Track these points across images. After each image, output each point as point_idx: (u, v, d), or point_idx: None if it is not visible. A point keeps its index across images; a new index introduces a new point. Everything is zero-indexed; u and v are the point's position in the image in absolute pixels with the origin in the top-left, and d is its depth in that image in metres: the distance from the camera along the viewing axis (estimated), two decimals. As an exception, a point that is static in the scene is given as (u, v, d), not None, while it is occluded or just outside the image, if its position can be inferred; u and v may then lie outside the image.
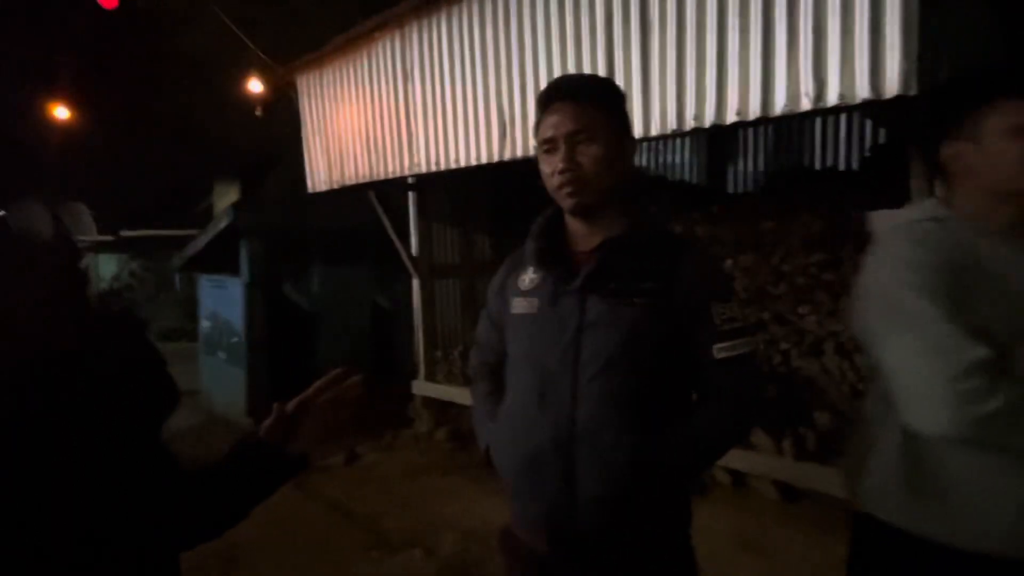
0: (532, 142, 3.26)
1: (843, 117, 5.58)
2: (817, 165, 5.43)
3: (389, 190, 5.00)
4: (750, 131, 5.54)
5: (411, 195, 5.28)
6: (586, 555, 1.26)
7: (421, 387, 5.34)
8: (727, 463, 3.39)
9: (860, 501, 1.31)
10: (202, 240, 6.90)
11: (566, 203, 1.26)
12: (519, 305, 1.36)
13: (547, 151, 1.27)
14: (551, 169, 1.26)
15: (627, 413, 1.22)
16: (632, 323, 1.21)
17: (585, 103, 1.25)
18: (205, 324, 7.26)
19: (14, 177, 0.70)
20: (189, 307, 9.32)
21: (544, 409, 1.26)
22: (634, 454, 1.21)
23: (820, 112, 2.40)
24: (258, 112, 4.82)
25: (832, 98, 2.25)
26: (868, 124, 5.79)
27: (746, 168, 5.60)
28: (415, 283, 5.33)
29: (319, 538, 3.63)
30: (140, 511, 0.81)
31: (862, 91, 2.17)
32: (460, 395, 5.01)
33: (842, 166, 5.73)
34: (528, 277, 1.36)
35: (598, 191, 1.25)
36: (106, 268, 13.61)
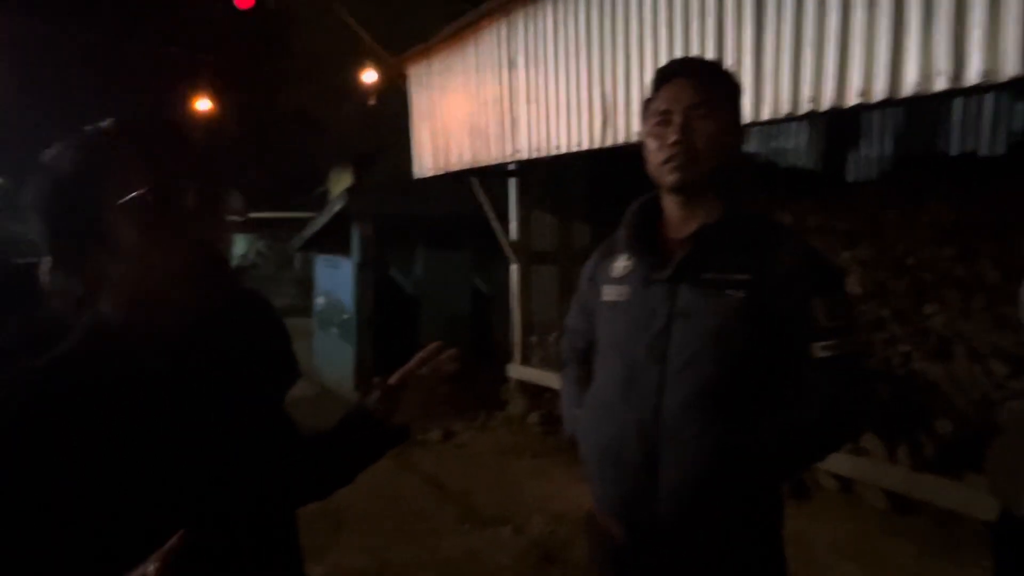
0: (635, 128, 3.22)
1: (988, 96, 4.99)
2: (954, 150, 4.88)
3: (490, 176, 5.09)
4: (875, 113, 5.09)
5: (511, 181, 5.34)
6: (663, 545, 1.24)
7: (516, 371, 5.43)
8: (833, 467, 3.20)
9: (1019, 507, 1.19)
10: (319, 222, 7.36)
11: (669, 178, 1.22)
12: (610, 292, 1.35)
13: (659, 123, 1.23)
14: (660, 143, 1.22)
15: (714, 407, 1.18)
16: (724, 315, 1.17)
17: (705, 81, 1.22)
18: (319, 301, 7.74)
19: (172, 156, 0.76)
20: (306, 285, 9.96)
21: (629, 398, 1.25)
22: (720, 447, 1.17)
23: (957, 92, 2.18)
24: (372, 102, 5.05)
25: (973, 76, 2.03)
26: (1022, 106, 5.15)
27: (869, 153, 5.15)
28: (513, 268, 5.40)
29: (415, 508, 3.81)
30: (265, 468, 0.87)
31: (1011, 67, 1.95)
32: (554, 380, 5.04)
33: (984, 151, 5.13)
34: (620, 264, 1.35)
35: (704, 170, 1.20)
36: (235, 247, 14.80)
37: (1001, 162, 4.56)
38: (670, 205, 1.29)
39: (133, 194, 0.70)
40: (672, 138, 1.20)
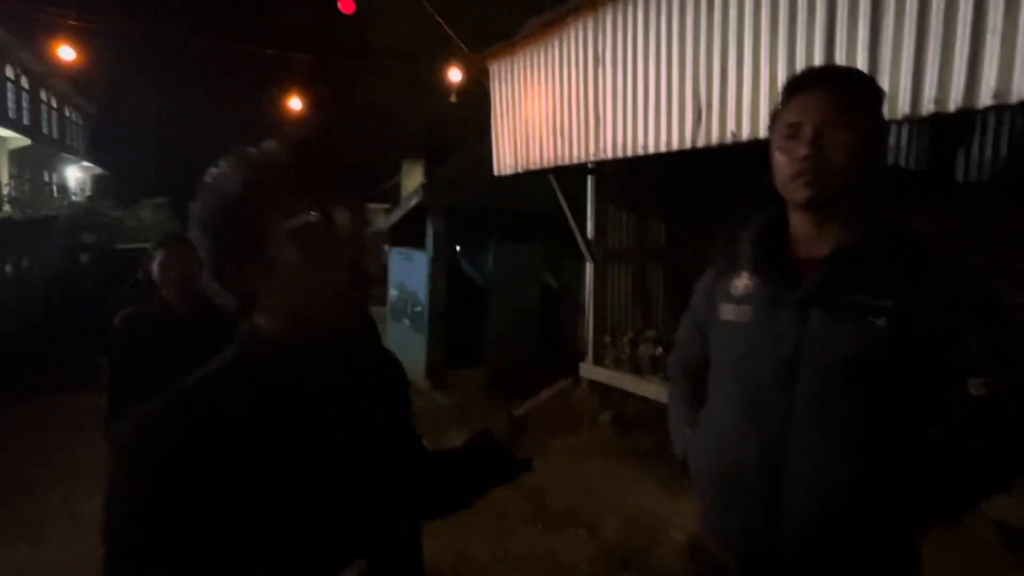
0: (731, 128, 3.08)
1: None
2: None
3: (568, 173, 5.02)
4: (990, 110, 4.67)
5: (589, 179, 5.26)
6: None
7: (588, 370, 5.37)
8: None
9: None
10: (395, 215, 7.50)
11: (799, 194, 1.14)
12: (729, 312, 1.28)
13: (788, 136, 1.16)
14: (790, 157, 1.15)
15: (848, 441, 1.10)
16: (864, 344, 1.08)
17: (841, 92, 1.13)
18: (393, 292, 7.91)
19: (332, 179, 0.78)
20: (380, 276, 10.20)
21: (752, 424, 1.18)
22: (854, 484, 1.10)
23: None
24: (453, 98, 5.07)
25: None
26: None
27: (982, 153, 4.73)
28: (588, 267, 5.33)
29: (487, 503, 3.79)
30: (402, 484, 0.88)
31: None
32: (626, 381, 4.96)
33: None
34: (741, 283, 1.27)
35: (838, 186, 1.12)
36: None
37: None
38: (799, 222, 1.21)
39: (301, 218, 0.72)
40: (802, 152, 1.12)
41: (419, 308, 7.19)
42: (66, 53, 6.38)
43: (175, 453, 0.68)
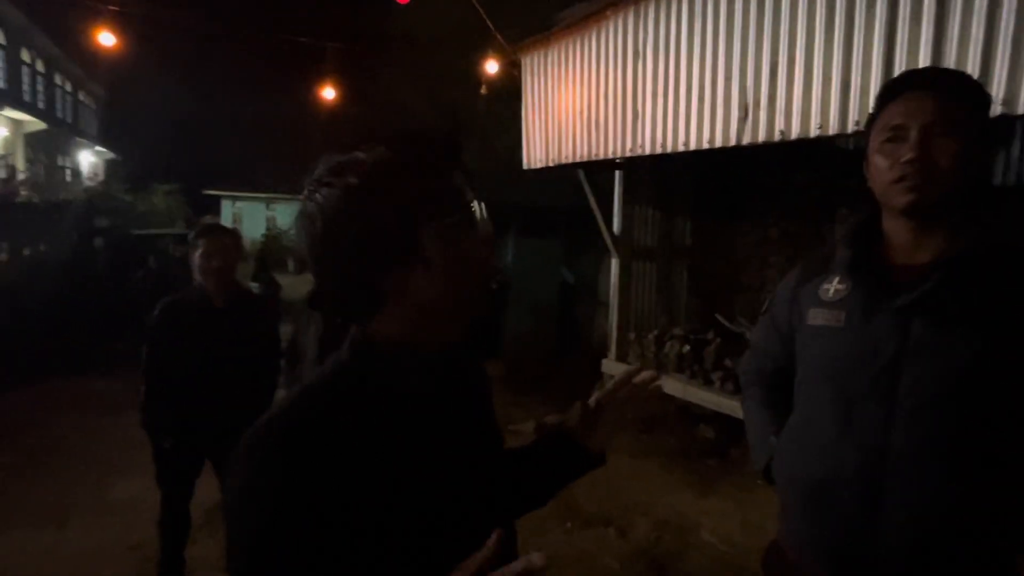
0: (779, 126, 3.02)
1: None
2: None
3: (595, 169, 4.97)
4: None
5: (617, 175, 5.20)
6: None
7: (611, 367, 5.33)
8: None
9: None
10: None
11: (902, 199, 1.10)
12: (819, 316, 1.24)
13: (890, 139, 1.12)
14: (892, 160, 1.11)
15: (953, 456, 1.07)
16: (971, 357, 1.05)
17: (949, 96, 1.09)
18: (410, 284, 7.87)
19: (466, 177, 0.77)
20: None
21: (848, 434, 1.15)
22: (959, 502, 1.06)
23: None
24: (483, 90, 5.02)
25: None
26: None
27: (1022, 156, 4.65)
28: (614, 263, 5.27)
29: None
30: (491, 484, 0.88)
31: None
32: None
33: None
34: (833, 287, 1.23)
35: (944, 192, 1.08)
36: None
37: None
38: (896, 228, 1.17)
39: (452, 217, 0.72)
40: (907, 156, 1.08)
41: (437, 301, 7.16)
42: (105, 39, 6.33)
43: (300, 474, 0.66)
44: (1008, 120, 2.31)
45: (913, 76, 1.16)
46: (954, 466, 1.07)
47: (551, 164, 4.73)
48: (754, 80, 3.09)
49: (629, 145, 3.93)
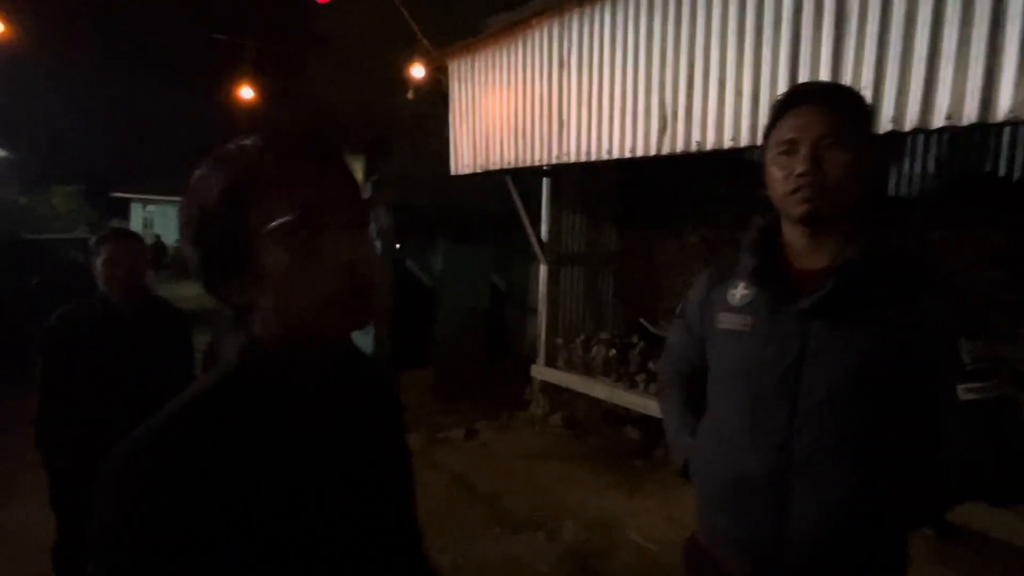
0: (696, 137, 3.15)
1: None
2: (1003, 171, 4.81)
3: (522, 175, 5.02)
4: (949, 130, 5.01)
5: (545, 181, 5.28)
6: None
7: (540, 371, 5.39)
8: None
9: None
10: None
11: (797, 210, 1.17)
12: (728, 321, 1.30)
13: (783, 153, 1.18)
14: (785, 173, 1.18)
15: (851, 450, 1.14)
16: (864, 355, 1.13)
17: (837, 109, 1.16)
18: (335, 292, 7.65)
19: (320, 176, 0.70)
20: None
21: (755, 434, 1.21)
22: (859, 490, 1.14)
23: (1054, 120, 2.13)
24: (410, 95, 4.97)
25: (1077, 105, 1.98)
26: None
27: (912, 170, 5.09)
28: (542, 269, 5.34)
29: (445, 509, 3.76)
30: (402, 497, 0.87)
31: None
32: (579, 383, 5.01)
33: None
34: (739, 292, 1.29)
35: (836, 202, 1.15)
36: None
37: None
38: (795, 235, 1.24)
39: (280, 220, 0.65)
40: (800, 169, 1.15)
41: (364, 308, 7.00)
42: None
43: (179, 479, 0.61)
44: (900, 136, 2.52)
45: (804, 91, 1.23)
46: (853, 458, 1.14)
47: (479, 170, 4.74)
48: (672, 92, 3.22)
49: (555, 153, 4.00)
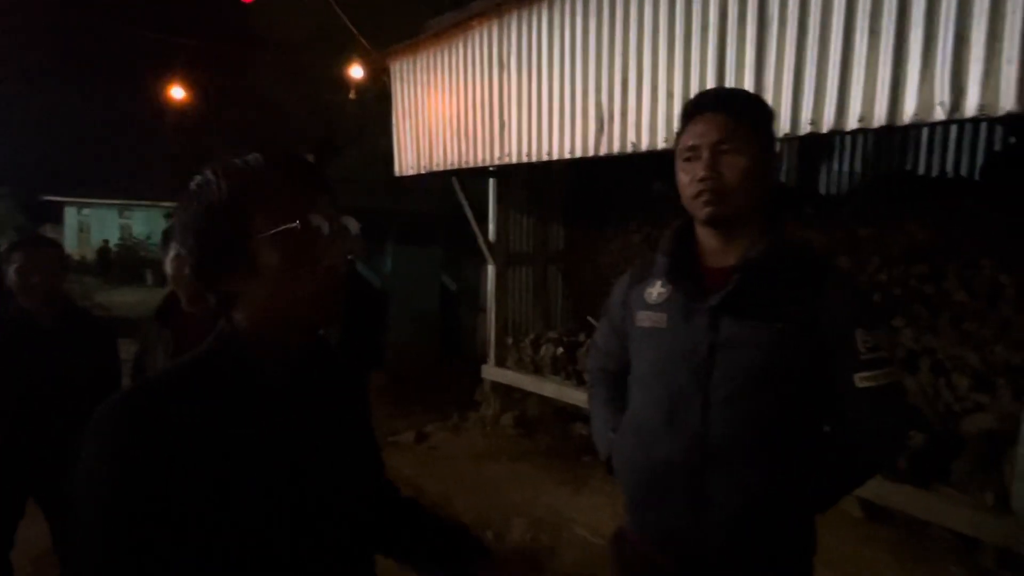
0: (631, 138, 3.23)
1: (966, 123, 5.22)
2: (923, 170, 5.10)
3: (469, 176, 5.03)
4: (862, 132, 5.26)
5: (491, 182, 5.30)
6: (709, 572, 1.26)
7: (490, 372, 5.41)
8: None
9: None
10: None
11: (701, 213, 1.23)
12: (646, 318, 1.34)
13: (688, 159, 1.24)
14: (690, 177, 1.23)
15: (760, 437, 1.20)
16: (770, 347, 1.19)
17: (734, 115, 1.22)
18: (283, 296, 7.50)
19: (313, 189, 0.82)
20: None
21: (672, 426, 1.25)
22: (769, 477, 1.20)
23: (954, 122, 2.27)
24: (351, 95, 4.92)
25: (971, 109, 2.12)
26: (983, 129, 5.41)
27: (841, 169, 5.32)
28: (490, 269, 5.36)
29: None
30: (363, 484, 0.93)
31: (1007, 103, 2.03)
32: (529, 382, 5.06)
33: (955, 172, 5.36)
34: (655, 291, 1.34)
35: (736, 204, 1.21)
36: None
37: (972, 185, 4.80)
38: (705, 235, 1.30)
39: (282, 227, 0.77)
40: (700, 174, 1.21)
41: (312, 312, 6.89)
42: None
43: (148, 444, 0.70)
44: (822, 137, 2.63)
45: (704, 98, 1.28)
46: (763, 446, 1.20)
47: (423, 171, 4.73)
48: (608, 94, 3.28)
49: (497, 154, 4.02)
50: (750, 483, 1.20)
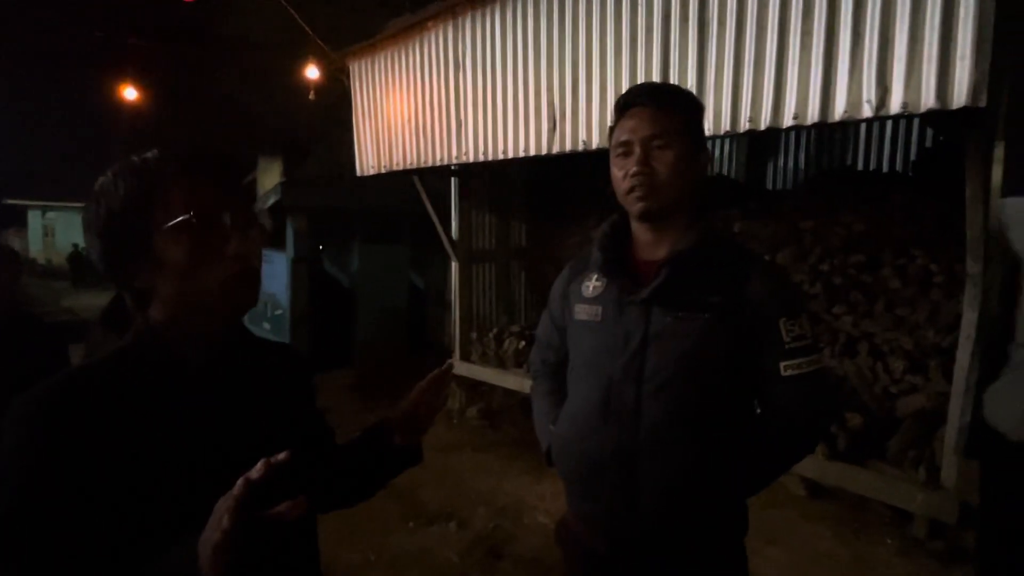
0: (582, 136, 3.23)
1: (893, 119, 5.37)
2: (861, 165, 5.24)
3: (431, 175, 4.99)
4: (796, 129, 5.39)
5: (453, 180, 5.26)
6: (644, 558, 1.26)
7: (456, 366, 5.37)
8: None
9: None
10: (251, 215, 6.98)
11: (635, 207, 1.23)
12: (583, 312, 1.34)
13: (621, 155, 1.24)
14: (623, 172, 1.23)
15: (690, 425, 1.20)
16: (698, 337, 1.19)
17: (664, 110, 1.21)
18: (250, 296, 7.36)
19: (213, 182, 0.82)
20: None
21: (607, 417, 1.25)
22: (699, 463, 1.20)
23: (880, 119, 2.32)
24: (311, 96, 4.82)
25: (895, 106, 2.17)
26: (916, 126, 5.59)
27: (786, 165, 5.43)
28: (454, 266, 5.33)
29: (360, 507, 3.69)
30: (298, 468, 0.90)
31: (928, 101, 2.09)
32: (492, 375, 5.05)
33: (887, 168, 5.53)
34: (592, 284, 1.34)
35: (668, 198, 1.21)
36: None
37: (903, 178, 4.94)
38: (639, 230, 1.30)
39: (178, 219, 0.77)
40: (633, 169, 1.20)
41: (280, 311, 6.77)
42: None
43: (65, 431, 0.71)
44: (767, 134, 2.67)
45: (636, 93, 1.26)
46: (692, 433, 1.20)
47: (383, 171, 4.66)
48: (559, 95, 3.28)
49: (455, 153, 3.99)
50: (681, 468, 1.20)
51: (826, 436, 3.17)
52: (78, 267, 18.17)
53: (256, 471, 0.63)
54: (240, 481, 0.63)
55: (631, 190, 1.21)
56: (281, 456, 0.64)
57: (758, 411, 1.28)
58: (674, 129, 1.20)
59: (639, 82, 2.93)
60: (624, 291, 1.26)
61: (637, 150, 1.20)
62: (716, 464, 1.21)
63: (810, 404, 1.21)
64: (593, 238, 1.39)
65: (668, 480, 1.20)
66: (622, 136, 1.23)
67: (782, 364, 1.19)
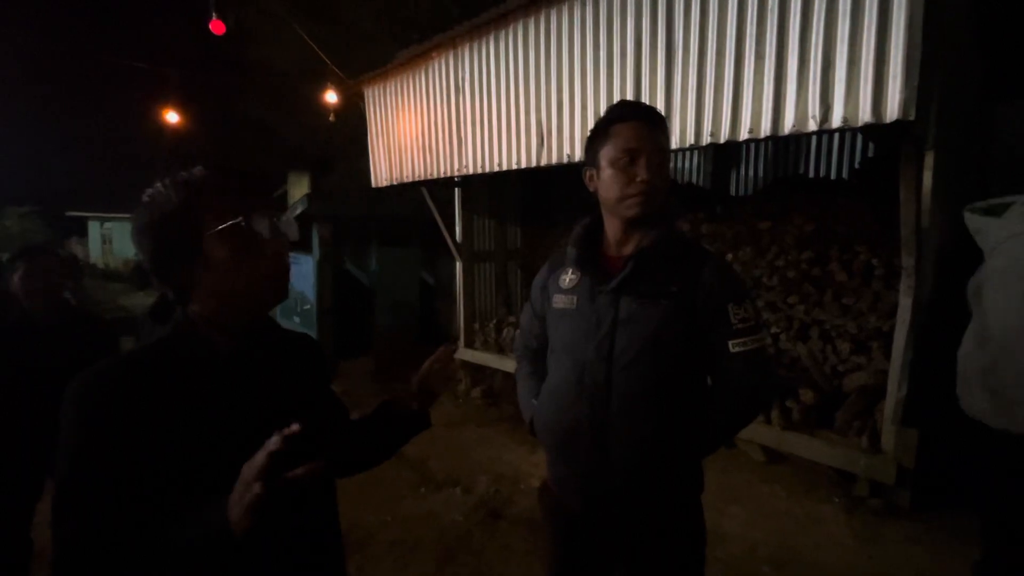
0: (566, 150, 3.21)
1: (837, 132, 5.38)
2: (812, 173, 5.23)
3: (437, 186, 4.99)
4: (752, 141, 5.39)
5: (456, 191, 5.26)
6: (613, 513, 1.28)
7: (461, 352, 5.39)
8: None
9: None
10: (282, 223, 6.99)
11: (632, 212, 1.22)
12: (560, 301, 1.35)
13: (626, 161, 1.20)
14: (628, 178, 1.20)
15: (653, 397, 1.22)
16: (660, 320, 1.20)
17: (660, 127, 1.23)
18: (282, 293, 7.37)
19: (252, 193, 0.85)
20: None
21: (581, 392, 1.27)
22: (660, 431, 1.22)
23: (824, 132, 2.32)
24: (332, 118, 4.82)
25: (836, 121, 2.17)
26: (859, 138, 5.59)
27: (747, 174, 5.43)
28: (458, 266, 5.33)
29: (374, 474, 3.69)
30: (320, 439, 0.92)
31: (864, 115, 2.09)
32: (493, 360, 5.06)
33: (834, 175, 5.54)
34: (568, 277, 1.35)
35: (659, 204, 1.23)
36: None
37: (846, 185, 4.94)
38: (614, 229, 1.30)
39: (227, 224, 0.80)
40: (643, 176, 1.19)
41: (308, 306, 6.77)
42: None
43: (114, 406, 0.73)
44: (728, 146, 2.66)
45: (635, 108, 1.25)
46: (655, 404, 1.22)
47: (395, 183, 4.67)
48: (547, 113, 3.28)
49: (456, 166, 3.98)
50: (645, 435, 1.22)
51: (781, 408, 3.19)
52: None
53: (273, 443, 0.65)
54: (262, 452, 0.65)
55: (635, 195, 1.20)
56: (294, 427, 0.66)
57: (710, 383, 1.30)
58: (667, 145, 1.23)
59: (615, 100, 2.93)
60: (596, 282, 1.27)
61: (645, 160, 1.19)
62: (676, 429, 1.23)
63: (755, 374, 1.23)
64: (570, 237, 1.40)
65: (635, 444, 1.22)
66: (629, 144, 1.19)
67: (730, 342, 1.21)
